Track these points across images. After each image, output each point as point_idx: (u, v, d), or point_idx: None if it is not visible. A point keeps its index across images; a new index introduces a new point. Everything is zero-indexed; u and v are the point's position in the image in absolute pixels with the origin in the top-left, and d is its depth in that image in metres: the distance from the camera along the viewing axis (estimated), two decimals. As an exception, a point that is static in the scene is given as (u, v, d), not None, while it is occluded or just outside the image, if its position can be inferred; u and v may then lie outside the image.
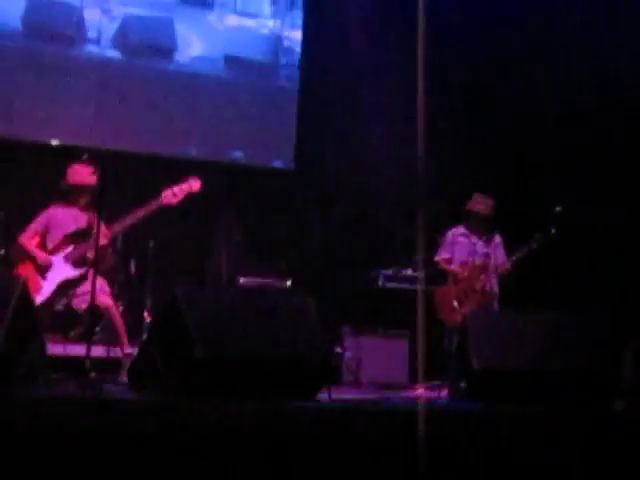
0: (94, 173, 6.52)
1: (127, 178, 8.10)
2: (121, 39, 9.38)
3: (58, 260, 6.60)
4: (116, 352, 6.79)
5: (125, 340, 6.53)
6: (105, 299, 6.53)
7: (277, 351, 4.81)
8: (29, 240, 6.78)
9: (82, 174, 6.64)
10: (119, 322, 6.57)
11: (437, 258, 7.88)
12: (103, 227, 6.39)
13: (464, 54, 9.56)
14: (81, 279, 6.55)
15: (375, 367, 7.93)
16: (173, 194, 6.58)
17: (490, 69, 9.54)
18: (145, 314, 8.11)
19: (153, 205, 6.57)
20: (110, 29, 9.34)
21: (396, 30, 9.78)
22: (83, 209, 6.78)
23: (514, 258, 7.59)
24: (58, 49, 9.20)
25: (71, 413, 3.91)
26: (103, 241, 6.37)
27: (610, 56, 8.53)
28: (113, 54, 9.36)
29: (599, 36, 8.56)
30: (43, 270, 6.57)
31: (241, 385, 4.54)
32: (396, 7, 9.65)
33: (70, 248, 6.63)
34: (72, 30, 9.26)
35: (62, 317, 7.15)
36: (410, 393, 6.91)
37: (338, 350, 7.82)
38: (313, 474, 4.15)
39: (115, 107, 9.18)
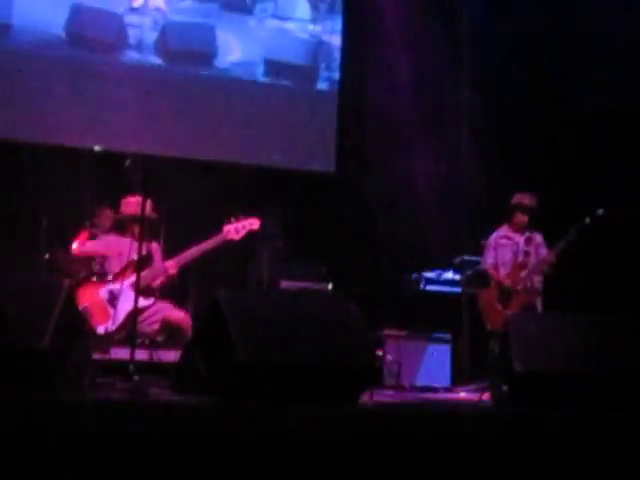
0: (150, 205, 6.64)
1: (170, 183, 8.15)
2: (162, 46, 9.47)
3: (125, 288, 6.47)
4: (159, 356, 6.86)
5: None
6: (178, 313, 6.68)
7: (319, 355, 4.82)
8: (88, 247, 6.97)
9: (134, 205, 6.65)
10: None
11: (484, 266, 7.88)
12: (169, 260, 6.65)
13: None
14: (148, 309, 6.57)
15: (417, 371, 7.92)
16: (235, 230, 6.69)
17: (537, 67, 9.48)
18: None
19: (217, 240, 6.68)
20: (151, 36, 9.45)
21: (437, 33, 9.82)
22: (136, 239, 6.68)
23: (555, 250, 7.57)
24: (100, 57, 9.33)
25: (116, 416, 3.95)
26: (171, 271, 6.59)
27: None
28: (154, 60, 9.45)
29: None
30: (111, 298, 6.53)
31: (283, 389, 4.55)
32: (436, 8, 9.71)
33: (134, 277, 6.41)
34: (114, 37, 9.37)
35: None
36: (452, 396, 6.91)
37: (379, 354, 7.81)
38: (356, 477, 4.16)
39: (157, 113, 9.28)
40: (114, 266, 6.72)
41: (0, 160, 8.76)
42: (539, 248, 7.75)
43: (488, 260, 7.83)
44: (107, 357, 6.15)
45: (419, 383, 7.69)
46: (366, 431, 4.30)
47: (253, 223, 6.81)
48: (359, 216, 9.71)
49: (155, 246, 6.88)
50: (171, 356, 6.70)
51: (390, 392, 7.08)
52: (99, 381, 5.07)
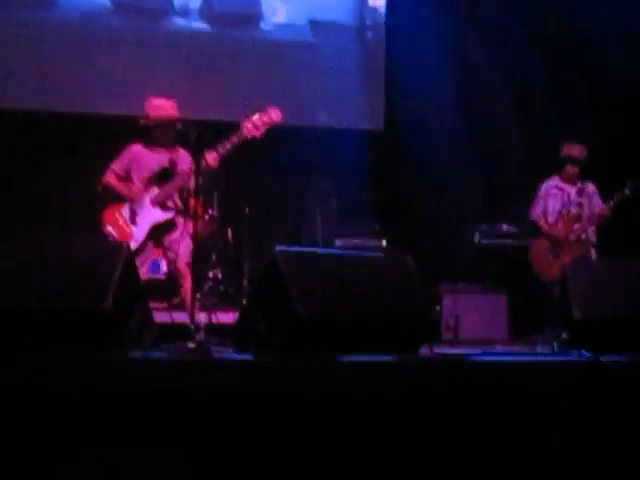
0: (175, 107, 6.48)
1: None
2: (207, 10, 9.48)
3: (145, 203, 6.47)
4: (217, 318, 6.92)
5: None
6: (183, 262, 6.49)
7: (377, 310, 4.84)
8: (115, 180, 6.67)
9: (164, 107, 6.52)
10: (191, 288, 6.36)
11: (531, 216, 7.84)
12: (187, 170, 6.35)
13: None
14: (171, 224, 6.47)
15: (474, 324, 7.92)
16: (254, 126, 6.26)
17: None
18: (245, 281, 8.25)
19: (235, 138, 6.30)
20: (196, 1, 9.45)
21: None
22: (165, 147, 6.65)
23: (610, 204, 7.52)
24: (147, 24, 9.37)
25: (181, 373, 4.01)
26: (187, 181, 6.30)
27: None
28: (200, 25, 9.47)
29: None
30: (132, 215, 6.48)
31: (343, 344, 4.58)
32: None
33: (155, 190, 6.52)
34: (159, 4, 9.40)
35: (164, 285, 7.32)
36: (510, 348, 6.91)
37: (437, 307, 7.83)
38: (417, 428, 4.19)
39: (205, 78, 9.31)
40: (137, 180, 6.61)
41: (50, 131, 8.86)
42: (592, 198, 7.71)
43: (536, 210, 7.81)
44: (168, 320, 6.20)
45: (476, 336, 7.68)
46: (425, 381, 4.33)
47: (273, 115, 6.34)
48: (411, 173, 9.68)
49: (182, 153, 6.63)
50: (230, 317, 6.77)
51: (448, 345, 7.10)
52: (162, 343, 5.14)
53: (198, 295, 7.13)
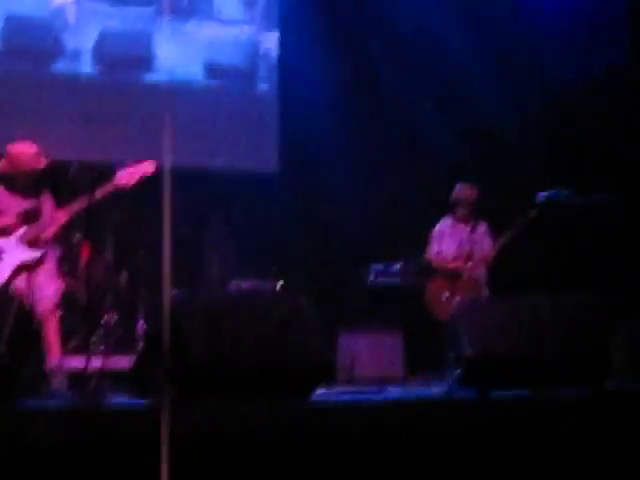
0: (39, 154, 6.36)
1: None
2: (99, 53, 9.43)
3: (11, 242, 6.25)
4: (115, 362, 6.83)
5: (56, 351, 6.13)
6: (47, 304, 6.16)
7: (272, 353, 4.87)
8: None
9: (27, 156, 6.40)
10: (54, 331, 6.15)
11: (428, 255, 7.98)
12: (55, 209, 6.27)
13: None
14: (38, 262, 6.24)
15: (369, 364, 7.97)
16: (128, 174, 6.32)
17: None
18: (139, 324, 8.17)
19: (109, 186, 6.28)
20: (87, 44, 9.39)
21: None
22: (28, 194, 6.46)
23: (498, 244, 7.73)
24: (36, 66, 9.26)
25: (73, 423, 3.96)
26: (59, 222, 6.24)
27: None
28: (91, 69, 9.41)
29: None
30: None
31: (239, 387, 4.59)
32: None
33: (23, 229, 6.30)
34: (50, 47, 9.31)
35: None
36: (406, 387, 6.98)
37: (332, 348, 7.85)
38: (313, 473, 4.21)
39: (96, 121, 9.23)
40: (2, 220, 6.35)
41: None
42: (483, 237, 7.88)
43: (433, 250, 7.95)
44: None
45: (373, 375, 7.74)
46: (319, 426, 4.36)
47: (147, 167, 6.39)
48: (305, 214, 9.76)
49: (45, 197, 6.49)
50: (125, 362, 6.70)
51: (344, 386, 7.12)
52: (55, 389, 5.08)
53: (94, 339, 7.08)
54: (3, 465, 3.69)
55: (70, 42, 9.34)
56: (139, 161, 6.42)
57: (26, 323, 4.74)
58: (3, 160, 6.48)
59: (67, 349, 6.73)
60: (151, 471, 3.90)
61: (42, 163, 6.36)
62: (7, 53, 9.12)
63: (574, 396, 4.93)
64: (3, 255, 6.21)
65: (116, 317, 8.13)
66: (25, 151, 6.41)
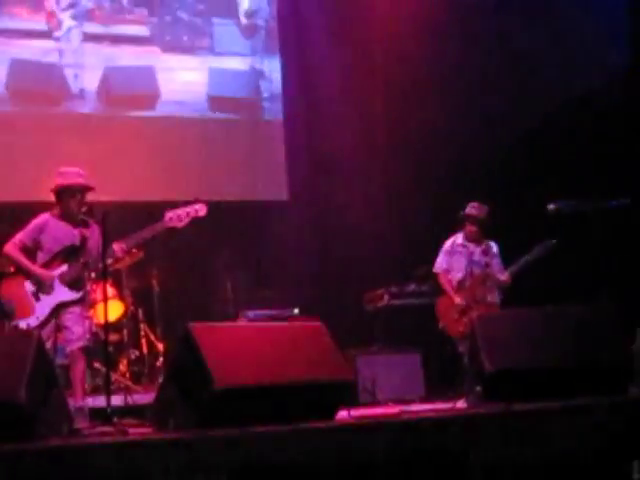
0: (81, 175, 6.23)
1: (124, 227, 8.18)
2: (105, 92, 9.53)
3: (52, 280, 6.10)
4: (134, 400, 6.86)
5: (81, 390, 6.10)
6: (77, 345, 6.08)
7: (292, 376, 4.88)
8: (19, 252, 6.19)
9: (69, 174, 6.23)
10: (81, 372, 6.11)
11: (436, 270, 7.96)
12: (96, 248, 6.08)
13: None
14: (76, 303, 6.12)
15: (390, 385, 7.96)
16: (178, 218, 6.17)
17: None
18: (159, 360, 8.21)
19: (158, 227, 6.19)
20: (93, 84, 9.50)
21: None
22: (75, 224, 6.25)
23: (513, 270, 7.66)
24: (44, 109, 9.36)
25: (101, 458, 3.97)
26: (108, 261, 5.99)
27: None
28: (98, 107, 9.50)
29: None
30: (37, 289, 6.08)
31: (262, 413, 4.59)
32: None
33: (64, 267, 6.15)
34: (56, 89, 9.42)
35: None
36: (428, 406, 6.96)
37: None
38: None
39: (105, 159, 9.29)
40: (46, 254, 6.18)
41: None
42: (494, 259, 7.84)
43: (442, 265, 7.92)
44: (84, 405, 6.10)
45: (394, 396, 7.73)
46: (345, 447, 4.35)
47: (199, 210, 6.27)
48: (316, 240, 9.81)
49: (93, 227, 6.27)
50: (146, 398, 6.73)
51: (367, 408, 7.13)
52: (78, 427, 5.09)
53: (113, 377, 7.11)
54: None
55: (75, 83, 9.44)
56: (188, 202, 6.29)
57: (44, 364, 4.75)
58: (56, 175, 6.31)
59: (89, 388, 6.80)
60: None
61: (83, 181, 6.22)
62: (12, 98, 9.23)
63: (597, 406, 4.91)
64: (41, 294, 6.09)
65: (136, 353, 8.19)
66: (67, 171, 6.27)
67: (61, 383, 5.22)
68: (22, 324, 5.98)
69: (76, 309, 6.14)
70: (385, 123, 10.28)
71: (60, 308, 6.08)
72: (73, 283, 6.12)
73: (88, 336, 6.18)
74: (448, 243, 7.95)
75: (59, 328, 6.12)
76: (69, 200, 6.20)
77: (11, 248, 6.20)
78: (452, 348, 7.62)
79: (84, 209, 6.12)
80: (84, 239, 6.20)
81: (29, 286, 6.11)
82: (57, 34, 9.47)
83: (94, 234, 6.22)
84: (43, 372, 4.67)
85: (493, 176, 9.23)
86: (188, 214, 6.21)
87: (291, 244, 9.70)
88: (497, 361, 5.23)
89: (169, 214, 6.17)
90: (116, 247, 6.03)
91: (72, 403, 5.74)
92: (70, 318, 6.09)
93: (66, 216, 6.25)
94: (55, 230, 6.22)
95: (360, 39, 10.16)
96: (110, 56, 9.63)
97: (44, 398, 4.63)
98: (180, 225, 6.19)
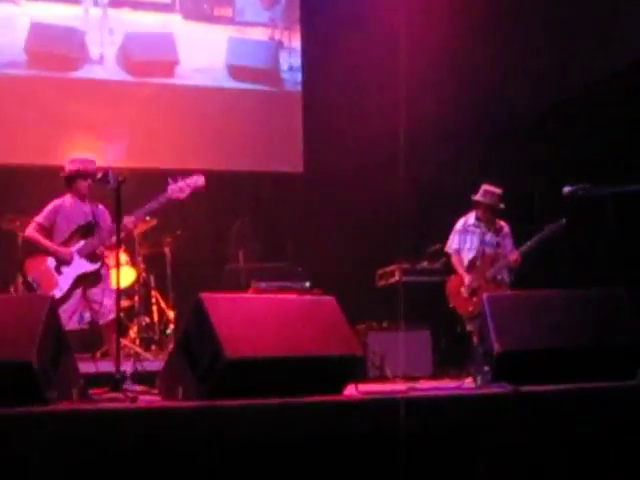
0: (92, 161, 6.77)
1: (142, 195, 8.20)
2: (124, 58, 9.53)
3: (71, 255, 6.65)
4: (144, 366, 6.89)
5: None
6: (111, 316, 6.52)
7: (303, 349, 4.89)
8: (37, 233, 6.76)
9: (81, 162, 6.78)
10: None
11: (448, 250, 7.97)
12: (109, 226, 6.63)
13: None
14: (96, 276, 6.67)
15: (399, 361, 7.98)
16: (180, 189, 6.51)
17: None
18: (170, 327, 8.24)
19: (162, 199, 6.56)
20: (113, 49, 9.49)
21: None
22: (86, 201, 6.83)
23: (524, 250, 7.66)
24: (63, 73, 9.36)
25: (111, 423, 4.00)
26: (110, 237, 6.53)
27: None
28: (118, 73, 9.50)
29: None
30: (58, 264, 6.62)
31: (269, 386, 4.61)
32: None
33: (81, 242, 6.68)
34: (76, 53, 9.42)
35: (87, 337, 7.28)
36: (435, 384, 6.98)
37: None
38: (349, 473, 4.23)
39: (122, 125, 9.32)
40: (63, 232, 6.74)
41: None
42: (505, 239, 7.85)
43: (452, 245, 7.94)
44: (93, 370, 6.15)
45: (402, 373, 7.75)
46: (351, 422, 4.37)
47: (197, 180, 6.58)
48: (330, 214, 9.79)
49: (101, 208, 6.87)
50: (155, 365, 6.75)
51: (375, 383, 7.14)
52: (88, 392, 5.11)
53: (122, 343, 7.15)
54: (42, 468, 3.75)
55: (95, 48, 9.43)
56: (188, 174, 6.59)
57: (57, 328, 4.77)
58: (68, 163, 6.86)
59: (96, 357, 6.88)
60: (181, 473, 3.95)
61: (94, 167, 6.71)
62: (31, 61, 9.23)
63: (607, 389, 4.91)
64: (62, 268, 6.61)
65: (147, 320, 8.22)
66: (78, 158, 6.87)
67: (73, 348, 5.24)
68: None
69: (104, 284, 6.71)
70: (404, 96, 10.22)
71: (81, 279, 6.63)
72: (91, 256, 6.67)
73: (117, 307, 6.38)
74: (460, 223, 7.96)
75: (87, 300, 6.68)
76: (80, 183, 6.77)
77: (30, 231, 6.80)
78: (462, 327, 7.65)
79: (99, 175, 6.16)
80: (96, 215, 6.76)
81: (51, 262, 6.64)
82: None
83: (104, 214, 6.82)
84: (54, 336, 4.70)
85: (510, 156, 9.21)
86: (188, 185, 6.53)
87: (304, 217, 9.70)
88: (506, 342, 5.22)
89: (171, 186, 6.52)
90: (126, 220, 6.43)
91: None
92: (99, 292, 6.64)
93: (79, 197, 6.83)
94: (70, 211, 6.79)
95: (381, 11, 10.08)
96: (130, 22, 9.62)
97: (55, 362, 4.66)
98: (182, 197, 6.54)
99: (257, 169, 9.78)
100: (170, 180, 6.54)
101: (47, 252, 6.67)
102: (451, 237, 7.97)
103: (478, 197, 7.84)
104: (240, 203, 9.32)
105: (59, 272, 6.61)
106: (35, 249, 6.74)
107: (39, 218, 6.81)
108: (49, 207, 6.83)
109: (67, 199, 6.86)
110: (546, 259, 8.07)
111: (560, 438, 4.55)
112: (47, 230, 6.76)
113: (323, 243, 9.63)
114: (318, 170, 9.97)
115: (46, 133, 9.06)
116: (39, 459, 3.76)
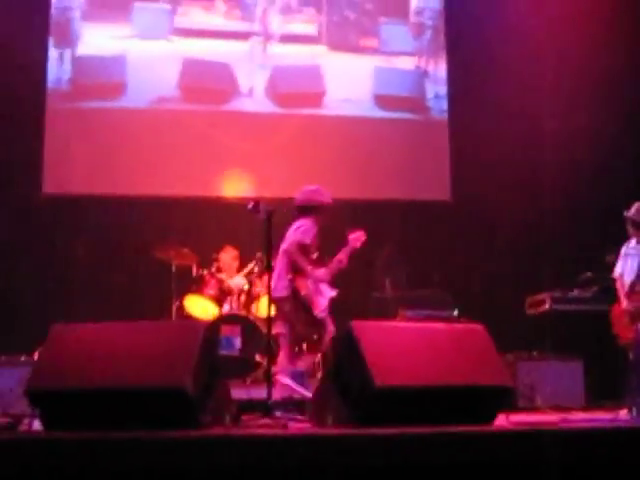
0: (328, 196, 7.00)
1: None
2: (273, 90, 9.72)
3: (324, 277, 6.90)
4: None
5: None
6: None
7: (453, 378, 4.85)
8: (300, 255, 6.89)
9: (325, 194, 7.04)
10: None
11: (613, 275, 7.76)
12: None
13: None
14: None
15: (549, 391, 7.82)
16: (357, 239, 6.92)
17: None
18: (318, 356, 8.30)
19: (348, 250, 6.90)
20: (261, 82, 9.71)
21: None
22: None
23: None
24: (215, 107, 9.64)
25: (260, 450, 4.05)
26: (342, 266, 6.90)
27: None
28: (267, 105, 9.70)
29: None
30: (316, 287, 6.82)
31: (419, 415, 4.59)
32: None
33: (324, 270, 6.90)
34: (226, 87, 9.67)
35: (238, 364, 7.42)
36: (588, 416, 6.79)
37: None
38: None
39: (270, 157, 9.50)
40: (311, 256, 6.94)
41: (124, 213, 9.15)
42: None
43: (617, 270, 7.70)
44: (245, 397, 6.26)
45: (552, 403, 7.58)
46: (505, 454, 4.30)
47: (360, 236, 6.99)
48: (480, 241, 9.71)
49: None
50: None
51: (525, 413, 7.01)
52: (241, 419, 5.20)
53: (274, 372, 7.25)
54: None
55: (245, 81, 9.67)
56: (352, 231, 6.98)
57: (210, 354, 4.89)
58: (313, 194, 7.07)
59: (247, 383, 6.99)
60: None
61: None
62: (185, 96, 9.54)
63: None
64: (321, 289, 6.83)
65: (296, 348, 8.31)
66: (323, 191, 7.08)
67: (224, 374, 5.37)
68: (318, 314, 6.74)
69: None
70: (551, 126, 10.08)
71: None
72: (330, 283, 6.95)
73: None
74: (623, 247, 7.73)
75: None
76: (321, 214, 6.93)
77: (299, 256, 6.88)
78: (619, 357, 7.39)
79: (250, 205, 6.25)
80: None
81: (310, 283, 6.81)
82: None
83: None
84: (209, 362, 4.81)
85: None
86: (359, 238, 6.95)
87: (452, 244, 9.65)
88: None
89: (351, 236, 6.94)
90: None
91: None
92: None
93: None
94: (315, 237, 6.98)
95: (529, 39, 10.00)
96: (278, 55, 9.82)
97: (209, 387, 4.76)
98: (359, 246, 6.94)
99: (404, 197, 9.79)
100: (348, 232, 6.94)
101: (309, 275, 6.87)
102: (617, 264, 7.76)
103: (627, 214, 7.59)
104: (387, 231, 9.33)
105: (320, 294, 6.83)
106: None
107: (307, 239, 6.92)
108: (311, 229, 6.95)
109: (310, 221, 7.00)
110: None
111: None
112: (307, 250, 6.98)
113: (470, 271, 9.56)
114: (465, 197, 9.91)
115: (198, 165, 9.32)
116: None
